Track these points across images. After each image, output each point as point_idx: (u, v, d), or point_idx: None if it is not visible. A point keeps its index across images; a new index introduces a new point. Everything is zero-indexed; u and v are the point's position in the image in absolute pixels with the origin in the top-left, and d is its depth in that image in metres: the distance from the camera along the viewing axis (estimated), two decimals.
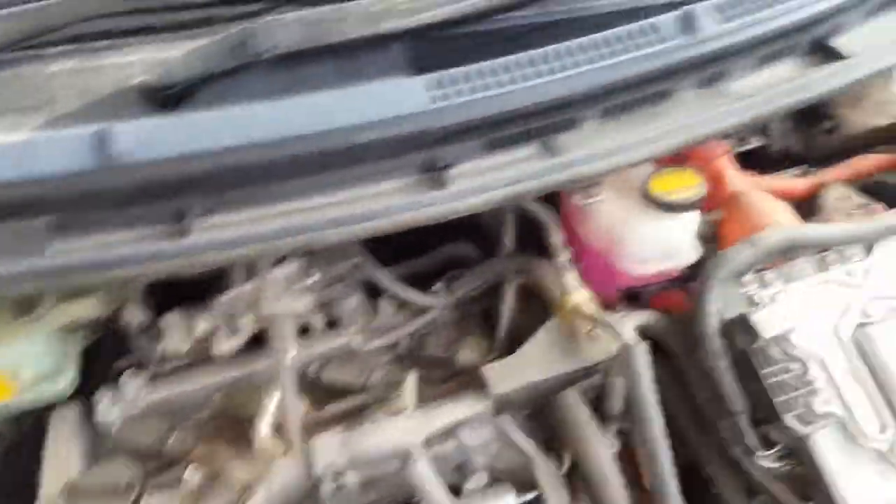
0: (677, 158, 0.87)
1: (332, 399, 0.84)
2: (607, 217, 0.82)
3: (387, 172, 0.71)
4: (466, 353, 0.88)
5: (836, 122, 1.05)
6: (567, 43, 0.75)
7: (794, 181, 0.93)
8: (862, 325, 0.74)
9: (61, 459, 0.77)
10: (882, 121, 1.01)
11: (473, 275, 0.91)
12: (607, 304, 0.85)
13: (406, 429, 0.74)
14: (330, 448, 0.73)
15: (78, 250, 0.63)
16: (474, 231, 0.97)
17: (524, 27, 0.79)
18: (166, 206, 0.64)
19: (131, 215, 0.64)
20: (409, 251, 0.97)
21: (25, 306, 0.73)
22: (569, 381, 0.79)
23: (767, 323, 0.72)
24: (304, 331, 0.87)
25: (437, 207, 0.70)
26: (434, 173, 0.71)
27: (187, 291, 0.82)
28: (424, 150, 0.71)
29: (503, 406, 0.78)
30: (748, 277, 0.75)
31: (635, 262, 0.82)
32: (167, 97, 0.70)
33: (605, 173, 0.75)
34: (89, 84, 0.71)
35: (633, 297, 0.88)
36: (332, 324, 0.88)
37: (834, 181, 0.91)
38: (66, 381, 0.76)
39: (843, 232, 0.77)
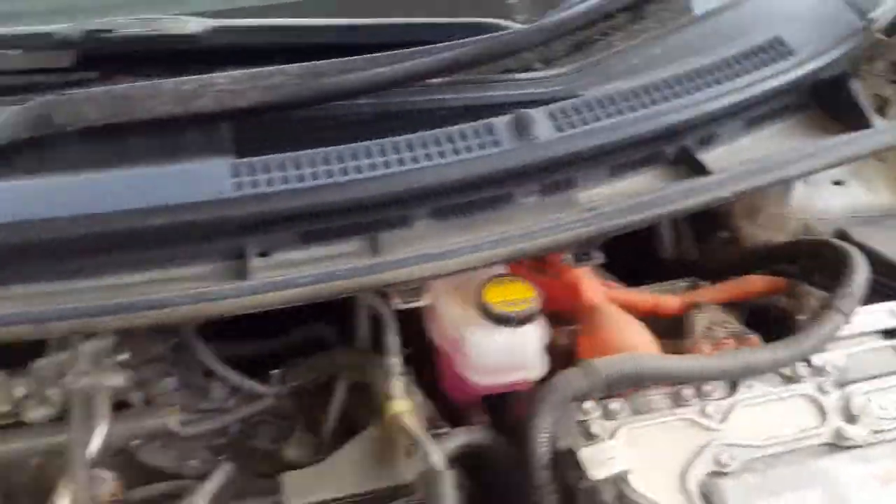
0: (534, 265, 0.80)
1: (150, 480, 0.78)
2: (448, 322, 0.75)
3: (190, 257, 0.66)
4: (292, 450, 0.81)
5: (732, 233, 0.98)
6: (394, 138, 0.70)
7: (667, 298, 0.84)
8: (714, 474, 0.63)
9: None
10: (779, 236, 0.94)
11: (308, 365, 0.84)
12: (470, 408, 0.78)
13: None
14: None
15: None
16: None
17: (360, 115, 0.74)
18: None
19: None
20: (267, 329, 0.89)
21: None
22: (377, 499, 0.71)
23: (601, 460, 0.62)
24: (124, 406, 0.80)
25: (237, 300, 0.64)
26: (238, 262, 0.65)
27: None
28: (228, 237, 0.66)
29: None
30: (590, 405, 0.66)
31: (477, 373, 0.74)
32: None
33: (430, 277, 0.68)
34: None
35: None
36: (148, 403, 0.81)
37: (711, 302, 0.83)
38: None
39: (701, 367, 0.68)
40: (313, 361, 0.84)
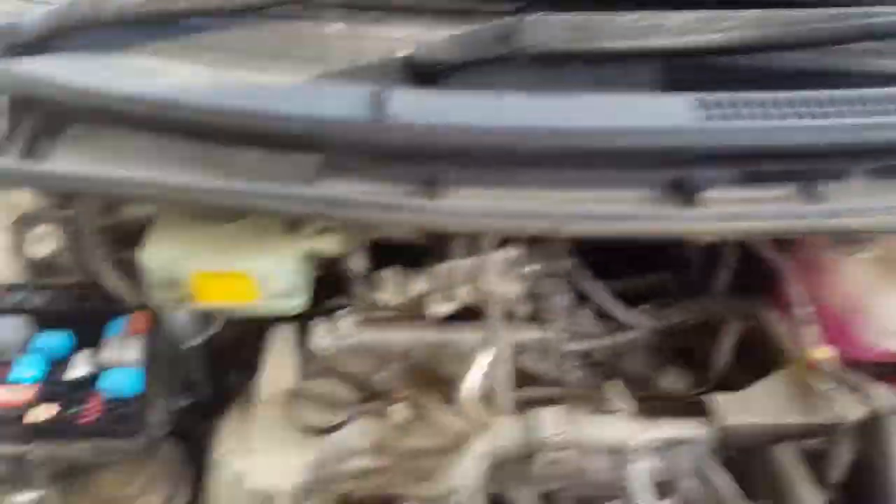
0: None
1: (521, 385, 0.84)
2: (861, 280, 0.76)
3: (635, 181, 0.69)
4: (670, 380, 0.87)
5: None
6: (848, 91, 0.70)
7: None
8: None
9: (279, 369, 0.84)
10: None
11: (686, 307, 0.89)
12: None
13: (627, 429, 0.74)
14: (555, 423, 0.73)
15: (340, 188, 0.67)
16: (680, 264, 0.94)
17: (787, 70, 0.76)
18: (423, 169, 0.67)
19: (390, 170, 0.67)
20: (613, 270, 0.93)
21: (289, 229, 0.78)
22: (795, 434, 0.76)
23: None
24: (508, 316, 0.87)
25: (684, 224, 0.67)
26: (684, 191, 0.68)
27: (404, 256, 0.86)
28: (678, 167, 0.69)
29: (727, 439, 0.75)
30: None
31: (885, 335, 0.74)
32: (430, 73, 0.72)
33: (869, 230, 0.69)
34: (356, 48, 0.75)
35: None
36: (534, 317, 0.88)
37: None
38: (299, 301, 0.80)
39: None
40: (690, 304, 0.89)
